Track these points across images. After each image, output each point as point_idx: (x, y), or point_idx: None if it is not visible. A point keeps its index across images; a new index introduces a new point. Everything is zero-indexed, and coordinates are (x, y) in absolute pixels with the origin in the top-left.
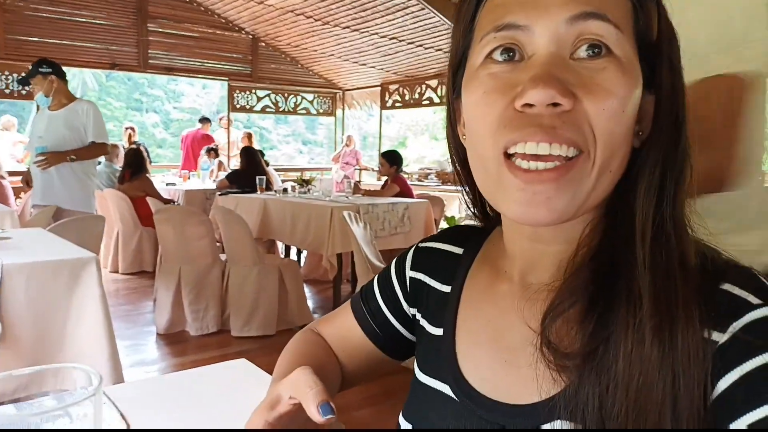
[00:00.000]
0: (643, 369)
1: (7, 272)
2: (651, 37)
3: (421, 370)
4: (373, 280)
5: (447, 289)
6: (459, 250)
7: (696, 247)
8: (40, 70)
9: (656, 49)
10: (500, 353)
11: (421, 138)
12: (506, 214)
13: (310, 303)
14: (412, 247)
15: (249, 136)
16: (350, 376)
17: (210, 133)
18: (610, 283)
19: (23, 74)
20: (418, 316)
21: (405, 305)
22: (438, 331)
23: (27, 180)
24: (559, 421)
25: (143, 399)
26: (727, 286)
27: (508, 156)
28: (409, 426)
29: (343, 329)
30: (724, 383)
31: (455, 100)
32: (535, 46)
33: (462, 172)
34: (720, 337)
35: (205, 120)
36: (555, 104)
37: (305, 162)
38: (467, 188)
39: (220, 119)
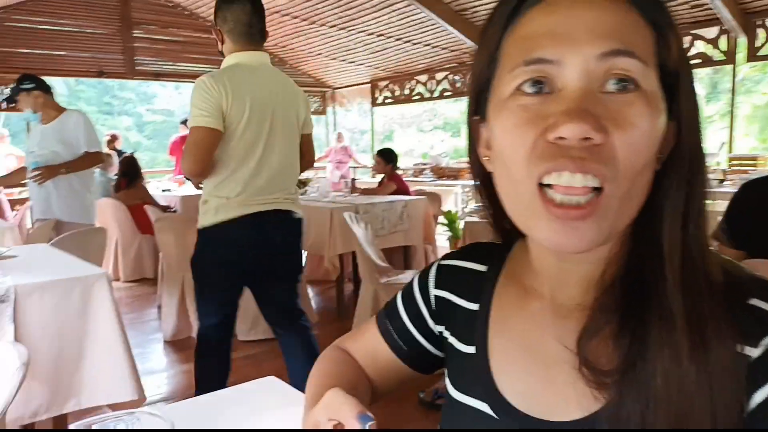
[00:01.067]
0: (681, 385)
1: (20, 293)
2: (671, 65)
3: (455, 387)
4: (396, 296)
5: (474, 306)
6: (483, 268)
7: (719, 264)
8: (22, 87)
9: (676, 76)
10: (536, 370)
11: (408, 131)
12: (539, 242)
13: (313, 303)
14: (433, 264)
15: None
16: (379, 390)
17: None
18: (642, 301)
19: (7, 89)
20: (446, 333)
21: (431, 322)
22: (470, 349)
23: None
24: None
25: (177, 423)
26: (754, 301)
27: (541, 185)
28: None
29: (369, 345)
30: (759, 396)
31: (476, 122)
32: (565, 80)
33: (484, 191)
34: (752, 352)
35: (187, 121)
36: (586, 137)
37: None
38: (488, 205)
39: None
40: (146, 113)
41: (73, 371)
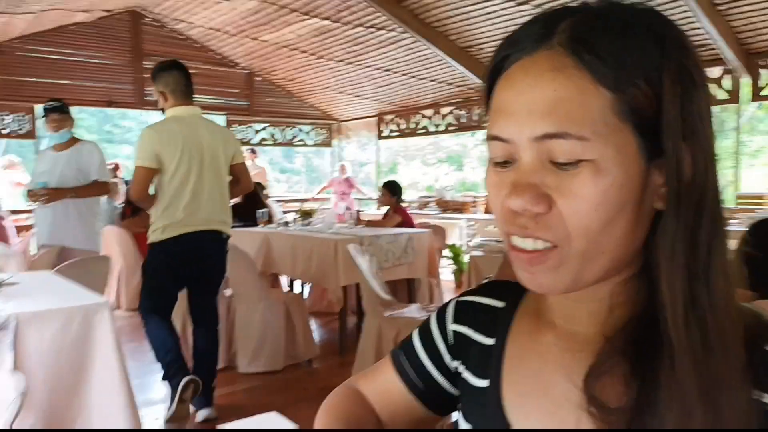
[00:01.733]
0: None
1: (20, 321)
2: (647, 111)
3: (467, 420)
4: (411, 334)
5: (490, 341)
6: (500, 304)
7: (739, 311)
8: (62, 109)
9: (656, 119)
10: (547, 405)
11: (413, 163)
12: None
13: (315, 336)
14: (451, 301)
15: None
16: None
17: None
18: (653, 347)
19: (49, 105)
20: (461, 368)
21: (447, 358)
22: (483, 383)
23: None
24: None
25: None
26: None
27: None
28: None
29: (383, 384)
30: None
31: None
32: (519, 155)
33: None
34: None
35: None
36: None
37: (284, 190)
38: None
39: None
40: None
41: (70, 400)
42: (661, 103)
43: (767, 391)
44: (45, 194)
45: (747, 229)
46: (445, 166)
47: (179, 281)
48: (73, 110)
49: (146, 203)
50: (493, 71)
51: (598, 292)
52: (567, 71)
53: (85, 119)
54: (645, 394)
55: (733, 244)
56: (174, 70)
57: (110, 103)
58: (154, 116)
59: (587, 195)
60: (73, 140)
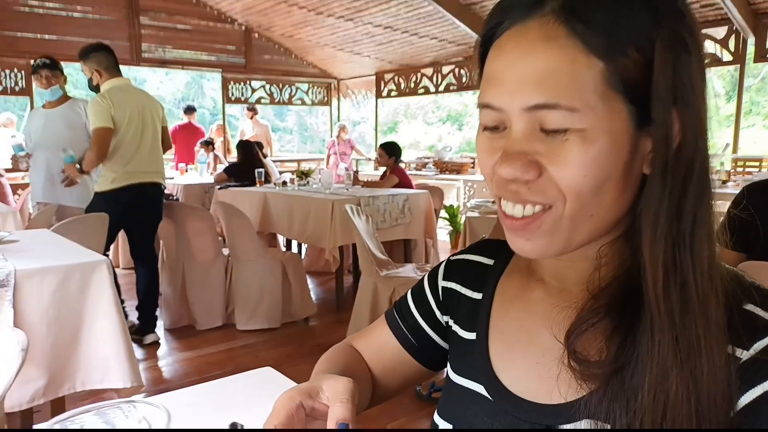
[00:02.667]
0: (668, 398)
1: (19, 277)
2: (638, 80)
3: (455, 371)
4: (406, 294)
5: (478, 296)
6: (490, 261)
7: (723, 275)
8: (53, 65)
9: (648, 87)
10: (532, 356)
11: (414, 122)
12: None
13: (312, 295)
14: (444, 260)
15: (221, 127)
16: (382, 391)
17: (198, 124)
18: (635, 307)
19: (39, 61)
20: (451, 322)
21: (438, 313)
22: (471, 335)
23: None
24: (584, 421)
25: (173, 413)
26: (750, 307)
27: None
28: (445, 424)
29: (379, 342)
30: (746, 398)
31: None
32: (510, 122)
33: None
34: (743, 354)
35: (190, 110)
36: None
37: (276, 149)
38: None
39: (217, 127)
40: None
41: (70, 356)
42: (652, 70)
43: (743, 347)
44: (67, 177)
45: (739, 192)
46: (448, 126)
47: (119, 227)
48: (65, 66)
49: (106, 160)
50: (485, 38)
51: (587, 252)
52: (559, 41)
53: (72, 74)
54: (623, 351)
55: (725, 206)
56: (103, 50)
57: None
58: (146, 73)
59: (576, 161)
60: (65, 98)
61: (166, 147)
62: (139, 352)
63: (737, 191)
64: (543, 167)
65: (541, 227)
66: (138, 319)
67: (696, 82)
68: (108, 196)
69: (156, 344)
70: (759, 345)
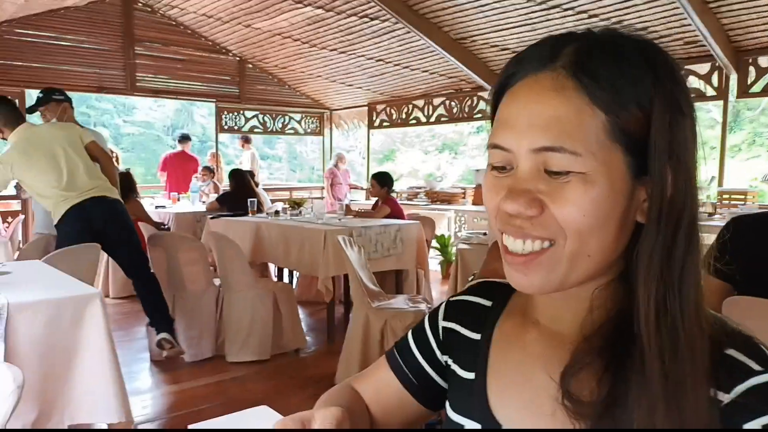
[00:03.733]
0: (655, 428)
1: (12, 311)
2: (637, 133)
3: (453, 410)
4: (407, 334)
5: (477, 336)
6: (488, 302)
7: (709, 319)
8: (53, 97)
9: (645, 141)
10: (527, 396)
11: (412, 151)
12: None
13: (303, 325)
14: (444, 301)
15: (214, 155)
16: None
17: (192, 153)
18: (623, 350)
19: (38, 96)
20: (450, 362)
21: (438, 353)
22: (470, 375)
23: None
24: None
25: None
26: (731, 352)
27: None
28: None
29: (379, 383)
30: None
31: None
32: (517, 162)
33: None
34: (724, 397)
35: (184, 138)
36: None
37: (265, 177)
38: None
39: (210, 155)
40: (124, 125)
41: (59, 390)
42: (650, 127)
43: (725, 390)
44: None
45: (724, 226)
46: (446, 154)
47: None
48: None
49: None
50: (500, 87)
51: (581, 293)
52: (567, 92)
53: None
54: (615, 391)
55: (711, 238)
56: (2, 104)
57: (100, 89)
58: (135, 99)
59: (576, 201)
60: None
61: (102, 165)
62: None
63: (723, 223)
64: (545, 205)
65: (541, 263)
66: (153, 324)
67: (689, 141)
68: (59, 227)
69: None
70: (739, 389)
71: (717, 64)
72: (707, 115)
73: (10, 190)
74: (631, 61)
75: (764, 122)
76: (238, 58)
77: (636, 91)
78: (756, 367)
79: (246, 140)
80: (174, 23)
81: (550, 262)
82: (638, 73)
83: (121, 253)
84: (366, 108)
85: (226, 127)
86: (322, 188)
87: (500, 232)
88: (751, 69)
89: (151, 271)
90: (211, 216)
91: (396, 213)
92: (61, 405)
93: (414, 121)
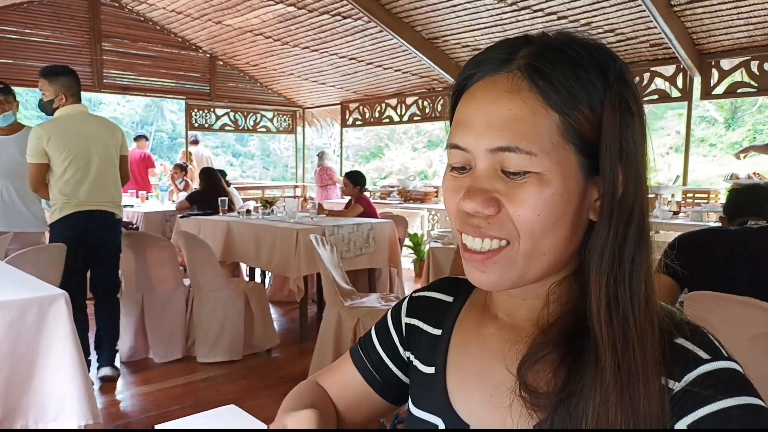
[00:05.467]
0: (609, 418)
1: None
2: (589, 135)
3: (414, 405)
4: (370, 330)
5: (438, 332)
6: (449, 298)
7: (657, 310)
8: (5, 91)
9: (596, 142)
10: (486, 388)
11: (402, 148)
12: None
13: (276, 325)
14: (406, 296)
15: (188, 154)
16: (347, 426)
17: (149, 152)
18: (577, 342)
19: None
20: (412, 357)
21: (401, 349)
22: (430, 370)
23: None
24: None
25: None
26: (681, 341)
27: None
28: None
29: (343, 378)
30: (680, 425)
31: None
32: (475, 162)
33: None
34: (675, 386)
35: (140, 138)
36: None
37: (237, 174)
38: None
39: (182, 154)
40: None
41: (23, 392)
42: (601, 128)
43: (674, 379)
44: None
45: (669, 244)
46: (439, 151)
47: (76, 257)
48: (23, 92)
49: (43, 192)
50: (458, 88)
51: (538, 289)
52: (522, 93)
53: (22, 95)
54: (570, 381)
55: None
56: (72, 74)
57: None
58: (102, 94)
59: (531, 201)
60: (18, 125)
61: (124, 179)
62: (94, 386)
63: (687, 221)
64: (502, 204)
65: (497, 262)
66: (96, 351)
67: (638, 141)
68: (56, 225)
69: (114, 379)
70: (689, 377)
71: (681, 66)
72: (707, 113)
73: None
74: (583, 65)
75: (760, 119)
76: (208, 55)
77: (587, 94)
78: (704, 355)
79: (194, 141)
80: (142, 19)
81: (506, 260)
82: (589, 76)
83: (101, 272)
84: (339, 106)
85: (196, 125)
86: (295, 186)
87: (459, 232)
88: (714, 71)
89: (118, 296)
90: (181, 215)
91: (369, 212)
92: (25, 407)
93: (387, 120)
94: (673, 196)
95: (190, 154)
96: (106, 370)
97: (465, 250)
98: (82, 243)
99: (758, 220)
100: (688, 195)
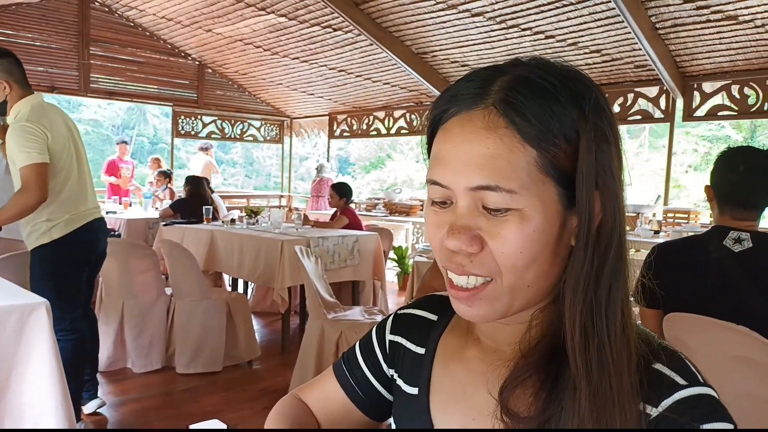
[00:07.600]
0: None
1: None
2: (566, 166)
3: (397, 425)
4: (354, 345)
5: (421, 351)
6: (434, 317)
7: (633, 337)
8: None
9: (574, 171)
10: (469, 412)
11: (407, 158)
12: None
13: (257, 336)
14: (392, 313)
15: (157, 160)
16: None
17: (128, 159)
18: (557, 366)
19: None
20: (395, 376)
21: (384, 366)
22: (413, 390)
23: None
24: None
25: None
26: (658, 366)
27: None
28: None
29: (326, 393)
30: None
31: None
32: (456, 199)
33: None
34: (652, 411)
35: (121, 143)
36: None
37: (219, 182)
38: None
39: (151, 160)
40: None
41: (1, 399)
42: (578, 158)
43: (652, 404)
44: None
45: (648, 254)
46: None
47: (81, 272)
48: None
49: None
50: (434, 119)
51: (521, 317)
52: (499, 131)
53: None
54: (549, 406)
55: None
56: (10, 56)
57: (53, 89)
58: (89, 100)
59: (513, 239)
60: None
61: None
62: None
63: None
64: (485, 242)
65: (482, 298)
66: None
67: (614, 168)
68: (67, 239)
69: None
70: (666, 403)
71: (665, 88)
72: (722, 131)
73: None
74: (557, 96)
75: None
76: (197, 63)
77: (562, 125)
78: (681, 381)
79: (205, 148)
80: (132, 24)
81: (492, 295)
82: (564, 107)
83: (89, 283)
84: (327, 117)
85: (182, 132)
86: (281, 196)
87: (444, 269)
88: (696, 94)
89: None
90: (164, 223)
91: (354, 224)
92: (1, 414)
93: (375, 132)
94: (654, 215)
95: (159, 160)
96: (96, 403)
97: (451, 286)
98: (89, 259)
99: (741, 229)
100: (669, 214)
